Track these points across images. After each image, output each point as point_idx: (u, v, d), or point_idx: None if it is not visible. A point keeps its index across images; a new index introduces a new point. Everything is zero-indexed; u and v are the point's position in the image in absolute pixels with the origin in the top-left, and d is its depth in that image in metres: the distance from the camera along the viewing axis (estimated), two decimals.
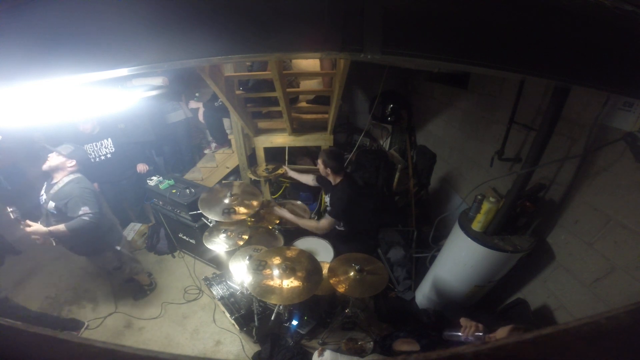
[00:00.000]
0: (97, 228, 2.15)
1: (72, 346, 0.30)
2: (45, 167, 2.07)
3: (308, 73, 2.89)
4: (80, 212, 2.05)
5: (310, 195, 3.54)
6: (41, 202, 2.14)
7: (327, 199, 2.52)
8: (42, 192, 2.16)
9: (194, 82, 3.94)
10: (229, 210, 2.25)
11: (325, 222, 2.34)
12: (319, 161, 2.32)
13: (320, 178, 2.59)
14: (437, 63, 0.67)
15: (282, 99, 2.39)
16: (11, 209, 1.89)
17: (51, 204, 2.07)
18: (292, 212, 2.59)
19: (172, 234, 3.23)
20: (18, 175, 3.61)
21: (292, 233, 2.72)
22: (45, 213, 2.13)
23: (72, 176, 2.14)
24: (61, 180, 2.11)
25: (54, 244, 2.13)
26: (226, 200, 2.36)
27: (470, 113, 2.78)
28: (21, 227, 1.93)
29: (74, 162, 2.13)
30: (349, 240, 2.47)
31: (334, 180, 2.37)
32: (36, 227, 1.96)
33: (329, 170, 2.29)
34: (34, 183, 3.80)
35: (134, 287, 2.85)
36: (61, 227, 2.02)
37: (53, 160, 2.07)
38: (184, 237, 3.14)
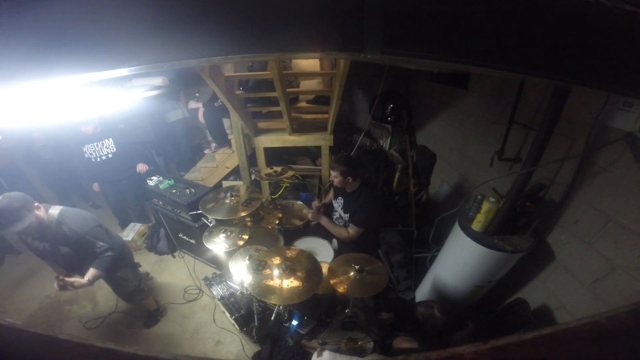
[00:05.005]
0: (119, 254, 2.10)
1: (72, 346, 0.31)
2: (36, 232, 1.82)
3: (308, 73, 2.88)
4: (98, 251, 1.95)
5: (311, 196, 3.54)
6: (46, 252, 1.91)
7: (337, 203, 2.41)
8: (38, 244, 1.89)
9: (193, 82, 3.95)
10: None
11: (353, 232, 2.21)
12: (335, 174, 2.15)
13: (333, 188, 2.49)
14: (437, 63, 0.66)
15: (282, 99, 2.39)
16: (61, 278, 1.81)
17: (64, 249, 1.90)
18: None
19: (172, 234, 3.24)
20: (17, 176, 3.61)
21: (292, 233, 2.72)
22: (62, 260, 1.95)
23: (53, 210, 1.86)
24: (47, 218, 1.82)
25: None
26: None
27: (470, 113, 2.78)
28: (58, 288, 1.81)
29: (40, 207, 1.79)
30: (355, 241, 2.37)
31: (352, 186, 2.23)
32: (77, 281, 1.85)
33: (350, 179, 2.15)
34: (34, 184, 3.82)
35: (141, 314, 2.65)
36: (95, 272, 1.90)
37: (34, 223, 1.73)
38: (184, 237, 3.14)
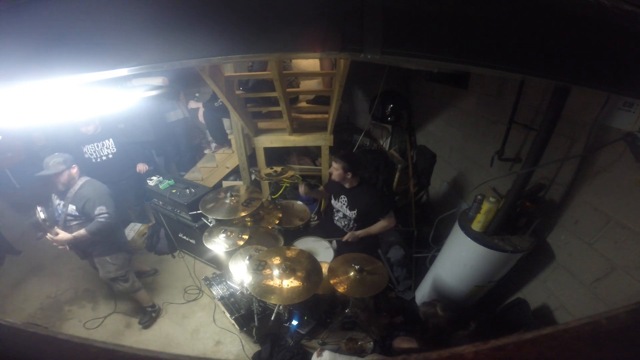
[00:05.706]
0: (114, 228, 2.20)
1: (72, 346, 0.31)
2: (60, 187, 2.11)
3: (308, 73, 2.89)
4: (97, 212, 2.08)
5: (311, 196, 3.54)
6: (59, 210, 2.14)
7: (339, 203, 2.42)
8: (57, 201, 2.17)
9: (193, 82, 3.95)
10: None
11: (388, 221, 2.28)
12: (337, 166, 2.23)
13: (329, 185, 2.53)
14: (437, 63, 0.66)
15: (282, 99, 2.40)
16: (40, 209, 1.93)
17: (71, 207, 2.10)
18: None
19: (172, 234, 3.23)
20: (25, 175, 3.60)
21: (292, 233, 2.72)
22: (63, 219, 2.13)
23: (84, 179, 2.17)
24: (76, 179, 2.14)
25: (68, 249, 2.14)
26: None
27: (470, 113, 2.78)
28: (39, 235, 1.92)
29: (76, 168, 2.14)
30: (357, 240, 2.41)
31: (350, 183, 2.30)
32: (61, 235, 2.01)
33: (349, 175, 2.23)
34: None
35: (136, 309, 2.66)
36: (82, 231, 2.06)
37: (62, 177, 2.06)
38: (184, 237, 3.14)
